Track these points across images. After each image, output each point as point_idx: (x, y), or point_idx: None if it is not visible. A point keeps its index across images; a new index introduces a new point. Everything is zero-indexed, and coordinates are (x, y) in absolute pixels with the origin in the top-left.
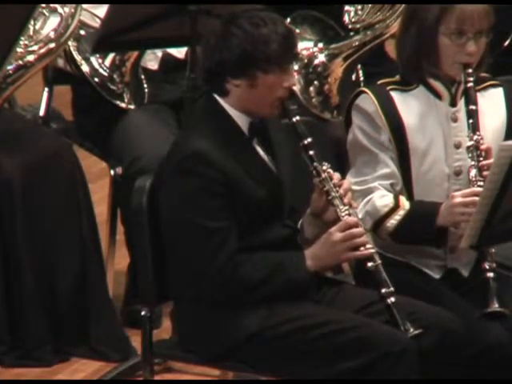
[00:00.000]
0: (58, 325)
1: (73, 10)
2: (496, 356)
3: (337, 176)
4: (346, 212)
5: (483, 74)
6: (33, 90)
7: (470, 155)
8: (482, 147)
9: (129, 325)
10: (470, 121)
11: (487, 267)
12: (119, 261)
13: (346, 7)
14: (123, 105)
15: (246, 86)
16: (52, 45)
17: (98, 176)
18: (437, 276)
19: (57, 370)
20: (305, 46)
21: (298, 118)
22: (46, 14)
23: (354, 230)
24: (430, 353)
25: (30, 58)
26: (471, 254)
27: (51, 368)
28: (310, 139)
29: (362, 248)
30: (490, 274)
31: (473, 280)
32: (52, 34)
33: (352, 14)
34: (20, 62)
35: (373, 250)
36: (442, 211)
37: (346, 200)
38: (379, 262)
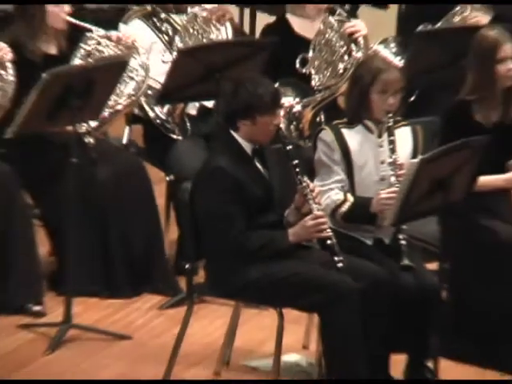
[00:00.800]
0: (134, 271)
1: (143, 79)
2: (406, 292)
3: (312, 184)
4: (316, 207)
5: (398, 118)
6: (119, 127)
7: (390, 168)
8: (398, 163)
9: (178, 273)
10: (390, 146)
11: (400, 237)
12: (172, 234)
13: (313, 75)
14: (174, 136)
15: (250, 124)
16: (131, 99)
17: (158, 180)
18: (369, 243)
19: (134, 300)
20: (288, 100)
21: (291, 146)
22: (127, 80)
23: (320, 220)
24: (366, 291)
25: (118, 107)
26: (391, 229)
27: (131, 300)
28: (297, 160)
29: (324, 231)
30: (403, 242)
31: (392, 245)
32: (131, 93)
33: (317, 79)
34: (111, 110)
35: (330, 233)
36: (373, 203)
37: (316, 200)
38: (334, 241)
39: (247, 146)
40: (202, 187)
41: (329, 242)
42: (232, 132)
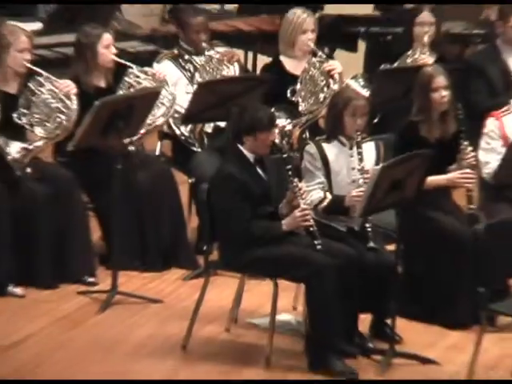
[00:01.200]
0: (164, 251)
1: (171, 104)
2: (371, 267)
3: (300, 184)
4: (303, 202)
5: (364, 135)
6: (152, 142)
7: (359, 173)
8: (365, 169)
9: (197, 253)
10: (359, 156)
11: (367, 225)
12: (193, 223)
13: (300, 102)
14: (195, 149)
15: (252, 140)
16: (162, 120)
17: (183, 182)
18: (343, 229)
19: (164, 273)
20: (281, 121)
21: (286, 155)
22: (159, 105)
23: (306, 212)
24: (341, 266)
25: (152, 126)
26: (359, 219)
27: (161, 273)
28: (290, 165)
29: (308, 221)
30: (369, 229)
31: (361, 232)
32: (162, 115)
33: (303, 106)
34: (145, 129)
35: (313, 223)
36: (346, 199)
37: (303, 196)
38: (316, 228)
39: (251, 156)
40: (216, 188)
41: (311, 229)
42: (239, 146)
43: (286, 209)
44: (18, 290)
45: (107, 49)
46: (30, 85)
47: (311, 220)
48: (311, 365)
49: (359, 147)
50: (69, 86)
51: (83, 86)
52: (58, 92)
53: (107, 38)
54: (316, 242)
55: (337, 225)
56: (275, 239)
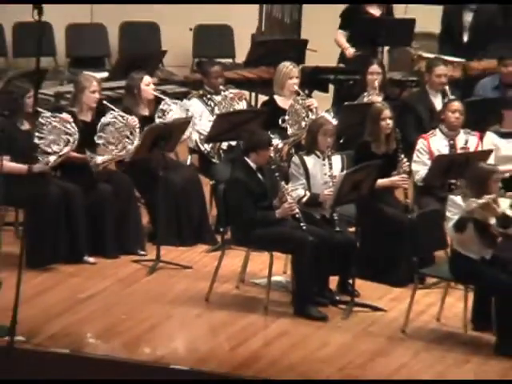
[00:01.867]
0: (193, 231)
1: (191, 130)
2: (338, 244)
3: (287, 186)
4: (290, 198)
5: (333, 150)
6: (184, 155)
7: (330, 178)
8: (333, 175)
9: (216, 233)
10: (329, 166)
11: (334, 214)
12: (213, 211)
13: (288, 128)
14: (214, 160)
15: (255, 155)
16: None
17: (206, 183)
18: (318, 217)
19: (193, 247)
20: (275, 141)
21: (275, 166)
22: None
23: (292, 205)
24: (317, 244)
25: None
26: (329, 210)
27: (191, 247)
28: (278, 173)
29: (294, 210)
30: (336, 217)
31: (330, 219)
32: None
33: (290, 131)
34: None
35: (298, 211)
36: (320, 196)
37: (290, 194)
38: (300, 215)
39: (254, 166)
40: (229, 188)
41: (297, 215)
42: (246, 158)
43: (278, 203)
44: (91, 259)
45: (147, 86)
46: (108, 116)
47: (296, 209)
48: (295, 311)
49: (329, 159)
50: (135, 121)
51: (132, 115)
52: (128, 124)
53: (147, 78)
54: (302, 224)
55: (313, 213)
56: (270, 223)
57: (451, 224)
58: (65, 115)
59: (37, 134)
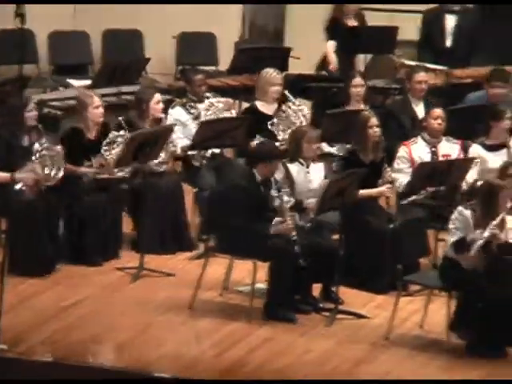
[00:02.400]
0: (176, 239)
1: (174, 137)
2: (322, 250)
3: (284, 203)
4: (289, 220)
5: (316, 158)
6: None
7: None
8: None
9: (199, 241)
10: (311, 172)
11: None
12: (196, 220)
13: (279, 132)
14: (197, 164)
15: (263, 166)
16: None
17: (188, 192)
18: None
19: (176, 254)
20: None
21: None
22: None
23: (291, 227)
24: (302, 252)
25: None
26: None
27: (175, 254)
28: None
29: (289, 225)
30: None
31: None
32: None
33: (281, 136)
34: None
35: (293, 227)
36: (304, 204)
37: (285, 212)
38: (293, 226)
39: (259, 178)
40: (226, 194)
41: (293, 238)
42: (253, 169)
43: (278, 222)
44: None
45: (157, 104)
46: (121, 132)
47: (294, 234)
48: (265, 315)
49: (312, 167)
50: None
51: (132, 129)
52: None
53: (157, 96)
54: (294, 239)
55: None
56: (259, 236)
57: (452, 241)
58: (59, 148)
59: (33, 157)
